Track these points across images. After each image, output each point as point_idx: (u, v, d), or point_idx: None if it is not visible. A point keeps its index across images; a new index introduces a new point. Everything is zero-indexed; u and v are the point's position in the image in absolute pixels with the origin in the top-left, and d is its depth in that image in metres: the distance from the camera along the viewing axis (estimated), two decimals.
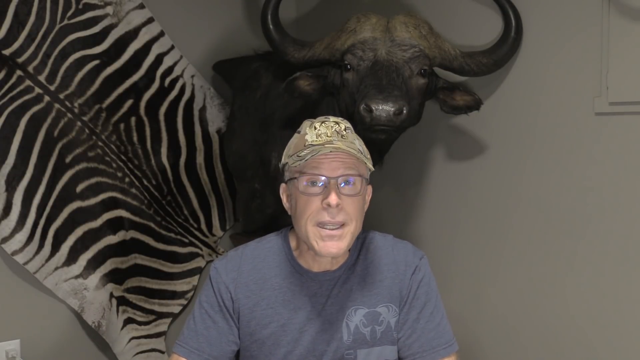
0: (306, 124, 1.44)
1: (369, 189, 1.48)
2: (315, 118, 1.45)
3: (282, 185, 1.48)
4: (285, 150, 1.46)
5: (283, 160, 1.46)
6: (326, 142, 1.37)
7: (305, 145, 1.38)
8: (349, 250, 1.50)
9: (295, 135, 1.45)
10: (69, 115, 2.22)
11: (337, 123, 1.41)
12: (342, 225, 1.37)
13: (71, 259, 2.24)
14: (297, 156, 1.38)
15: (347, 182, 1.37)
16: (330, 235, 1.36)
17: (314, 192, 1.37)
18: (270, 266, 1.50)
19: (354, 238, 1.41)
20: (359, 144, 1.43)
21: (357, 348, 1.47)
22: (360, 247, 1.53)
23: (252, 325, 1.48)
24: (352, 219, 1.38)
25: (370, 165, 1.43)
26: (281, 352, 1.47)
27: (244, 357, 1.54)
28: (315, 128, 1.40)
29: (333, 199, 1.34)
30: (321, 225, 1.37)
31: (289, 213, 1.47)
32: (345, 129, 1.41)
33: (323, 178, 1.36)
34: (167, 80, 2.43)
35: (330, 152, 1.36)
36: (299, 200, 1.39)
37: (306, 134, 1.40)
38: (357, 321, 1.47)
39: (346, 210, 1.37)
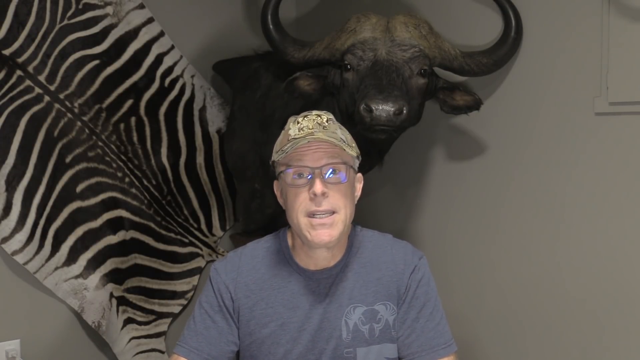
0: (291, 119, 1.47)
1: (360, 177, 1.51)
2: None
3: (275, 182, 1.52)
4: (273, 148, 1.49)
5: (272, 158, 1.49)
6: (307, 135, 1.40)
7: (288, 140, 1.42)
8: (346, 248, 1.51)
9: (282, 132, 1.48)
10: (69, 115, 2.22)
11: (318, 115, 1.45)
12: (332, 213, 1.40)
13: (71, 259, 2.24)
14: (282, 150, 1.42)
15: (333, 171, 1.41)
16: (321, 223, 1.39)
17: (301, 183, 1.41)
18: (268, 266, 1.51)
19: (346, 226, 1.44)
20: (341, 133, 1.45)
21: (357, 346, 1.48)
22: (358, 245, 1.54)
23: (252, 325, 1.49)
24: (341, 206, 1.41)
25: (352, 152, 1.45)
26: (280, 351, 1.48)
27: (243, 357, 1.54)
28: (298, 122, 1.44)
29: (318, 187, 1.37)
30: (311, 215, 1.40)
31: (283, 208, 1.49)
32: (327, 120, 1.44)
33: (307, 169, 1.40)
34: (167, 80, 2.43)
35: (308, 142, 1.39)
36: (288, 193, 1.43)
37: (289, 128, 1.44)
38: (356, 319, 1.48)
39: (333, 198, 1.40)
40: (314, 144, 1.40)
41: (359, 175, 1.51)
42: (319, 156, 1.40)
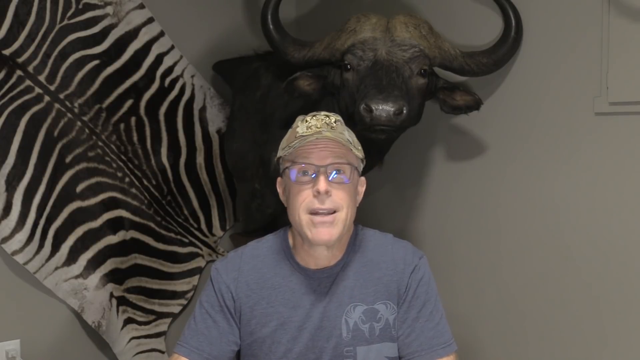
0: (299, 118, 1.49)
1: (363, 180, 1.53)
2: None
3: (279, 179, 1.53)
4: (280, 145, 1.50)
5: (278, 154, 1.50)
6: (315, 133, 1.42)
7: (295, 137, 1.43)
8: (347, 247, 1.52)
9: (289, 130, 1.50)
10: (69, 115, 2.22)
11: (327, 116, 1.46)
12: (333, 212, 1.41)
13: (71, 259, 2.24)
14: (288, 147, 1.43)
15: (337, 171, 1.42)
16: (322, 221, 1.40)
17: (305, 181, 1.42)
18: (269, 265, 1.52)
19: (346, 226, 1.44)
20: (348, 134, 1.47)
21: (357, 345, 1.48)
22: (359, 244, 1.54)
23: (253, 324, 1.50)
24: (343, 206, 1.42)
25: (359, 154, 1.47)
26: (281, 350, 1.48)
27: (244, 356, 1.55)
28: (306, 121, 1.45)
29: (322, 185, 1.38)
30: (313, 212, 1.40)
31: (285, 205, 1.50)
32: (335, 121, 1.46)
33: (313, 167, 1.40)
34: (167, 80, 2.43)
35: (317, 139, 1.40)
36: (291, 190, 1.44)
37: (297, 127, 1.46)
38: (356, 318, 1.48)
39: (336, 197, 1.41)
40: (321, 143, 1.41)
41: (362, 178, 1.53)
42: (325, 155, 1.41)
